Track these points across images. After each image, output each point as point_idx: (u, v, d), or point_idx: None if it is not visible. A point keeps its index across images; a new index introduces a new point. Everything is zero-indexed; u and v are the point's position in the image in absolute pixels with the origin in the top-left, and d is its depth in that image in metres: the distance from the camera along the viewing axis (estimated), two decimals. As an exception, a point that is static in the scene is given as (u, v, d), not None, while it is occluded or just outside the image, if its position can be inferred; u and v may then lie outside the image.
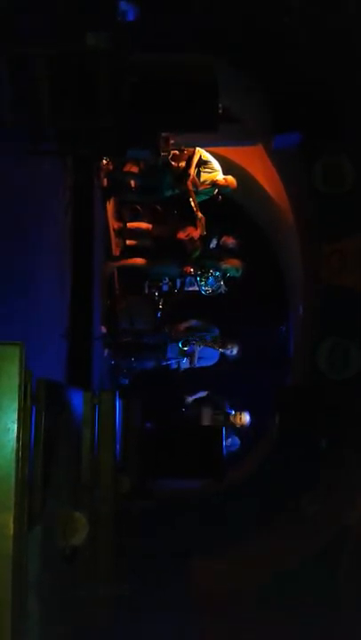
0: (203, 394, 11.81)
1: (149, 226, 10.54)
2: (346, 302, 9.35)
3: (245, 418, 11.40)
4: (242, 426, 11.40)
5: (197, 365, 10.62)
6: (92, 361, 8.28)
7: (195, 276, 10.20)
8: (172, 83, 6.45)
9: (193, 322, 10.62)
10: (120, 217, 10.79)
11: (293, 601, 7.13)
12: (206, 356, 10.58)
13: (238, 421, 11.40)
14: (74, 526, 4.16)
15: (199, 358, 10.52)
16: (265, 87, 8.85)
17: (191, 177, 9.49)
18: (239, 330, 11.54)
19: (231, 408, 11.56)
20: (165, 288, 10.86)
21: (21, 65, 5.62)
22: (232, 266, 10.20)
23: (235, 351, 10.61)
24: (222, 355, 10.68)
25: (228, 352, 10.59)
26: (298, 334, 11.24)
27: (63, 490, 4.51)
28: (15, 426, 2.92)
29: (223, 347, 10.57)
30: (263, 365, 12.00)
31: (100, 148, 7.31)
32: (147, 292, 10.98)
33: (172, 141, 9.14)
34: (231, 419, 11.43)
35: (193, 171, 9.52)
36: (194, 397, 11.75)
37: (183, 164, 9.57)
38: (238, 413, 11.45)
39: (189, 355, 10.46)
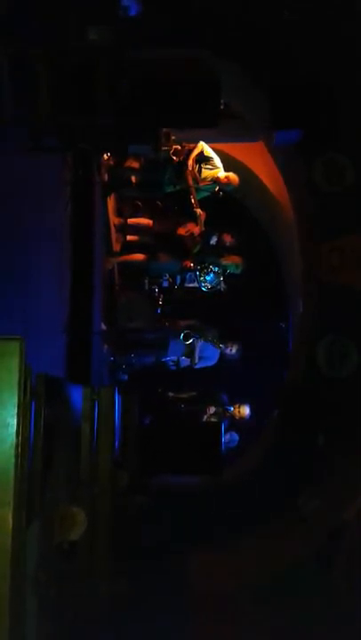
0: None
1: (150, 222, 10.53)
2: (345, 300, 9.35)
3: (245, 410, 11.39)
4: (241, 418, 11.38)
5: (197, 366, 10.57)
6: (92, 357, 8.28)
7: (194, 271, 10.20)
8: (173, 79, 6.44)
9: (192, 322, 10.60)
10: (121, 212, 10.78)
11: (292, 599, 7.16)
12: (207, 355, 10.54)
13: (238, 414, 11.38)
14: (72, 521, 4.17)
15: (200, 358, 10.48)
16: (266, 84, 8.83)
17: (189, 168, 9.47)
18: (239, 326, 11.54)
19: (230, 404, 11.55)
20: (165, 284, 10.86)
21: (22, 61, 5.62)
22: (232, 262, 10.20)
23: (234, 351, 10.59)
24: (221, 355, 10.64)
25: (227, 351, 10.56)
26: (297, 331, 11.22)
27: (62, 485, 4.52)
28: (15, 421, 2.94)
29: (224, 344, 10.53)
30: (262, 362, 11.99)
31: (100, 144, 7.31)
32: (147, 288, 10.97)
33: (173, 137, 9.13)
34: (231, 412, 11.42)
35: (191, 162, 9.50)
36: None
37: (184, 158, 9.57)
38: (238, 406, 11.44)
39: (190, 354, 10.41)
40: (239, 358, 10.69)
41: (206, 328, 10.56)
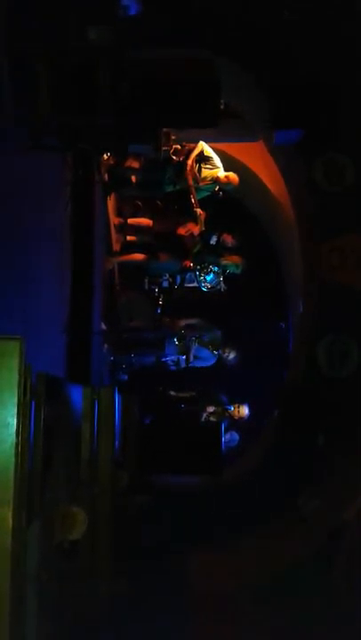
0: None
1: (150, 222, 10.53)
2: (345, 299, 9.35)
3: (244, 410, 11.40)
4: (240, 418, 11.39)
5: (192, 365, 10.57)
6: (92, 356, 8.28)
7: (194, 271, 10.19)
8: (173, 79, 6.44)
9: (194, 320, 10.60)
10: (121, 212, 10.78)
11: (292, 599, 7.15)
12: (203, 356, 10.55)
13: (237, 414, 11.39)
14: (72, 521, 4.17)
15: (195, 357, 10.47)
16: (266, 83, 8.84)
17: (188, 167, 9.46)
18: (239, 326, 11.54)
19: (230, 404, 11.56)
20: (165, 284, 10.86)
21: (22, 61, 5.62)
22: (232, 262, 10.19)
23: (231, 356, 10.58)
24: (219, 359, 10.64)
25: (224, 356, 10.56)
26: (297, 331, 11.22)
27: (62, 484, 4.52)
28: (15, 420, 2.93)
29: (220, 349, 10.52)
30: (262, 362, 11.99)
31: (100, 144, 7.30)
32: (147, 287, 10.97)
33: (173, 136, 9.13)
34: (230, 412, 11.43)
35: (190, 162, 9.48)
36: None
37: (184, 158, 9.57)
38: (237, 406, 11.45)
39: (185, 352, 10.41)
40: (236, 363, 10.70)
41: (209, 329, 10.56)
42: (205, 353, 10.52)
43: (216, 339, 10.53)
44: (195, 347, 10.37)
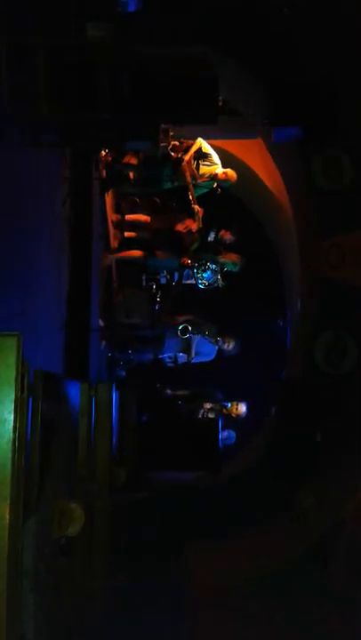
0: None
1: (148, 218, 10.52)
2: (343, 297, 9.35)
3: (242, 408, 11.39)
4: (238, 416, 11.39)
5: (194, 361, 10.56)
6: (90, 353, 8.28)
7: (192, 268, 10.18)
8: (172, 75, 6.43)
9: (191, 317, 10.59)
10: (119, 209, 10.77)
11: (292, 599, 7.16)
12: (204, 351, 10.53)
13: (235, 411, 11.39)
14: (69, 517, 4.17)
15: (196, 353, 10.47)
16: (265, 80, 8.83)
17: (185, 161, 9.45)
18: (237, 323, 11.54)
19: (227, 400, 11.55)
20: (163, 281, 10.85)
21: (21, 55, 5.61)
22: (230, 260, 10.19)
23: (231, 347, 10.57)
24: (219, 351, 10.64)
25: (225, 347, 10.54)
26: (295, 328, 11.23)
27: (59, 481, 4.51)
28: (12, 417, 2.93)
29: (221, 339, 10.51)
30: (260, 359, 11.99)
31: (99, 140, 7.30)
32: (144, 284, 10.95)
33: (171, 133, 9.12)
34: (228, 409, 11.43)
35: (188, 157, 9.47)
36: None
37: (182, 155, 9.56)
38: (235, 403, 11.44)
39: (187, 349, 10.40)
40: (236, 354, 10.68)
41: (205, 324, 10.55)
42: (207, 347, 10.51)
43: (213, 332, 10.53)
44: (197, 339, 10.35)
